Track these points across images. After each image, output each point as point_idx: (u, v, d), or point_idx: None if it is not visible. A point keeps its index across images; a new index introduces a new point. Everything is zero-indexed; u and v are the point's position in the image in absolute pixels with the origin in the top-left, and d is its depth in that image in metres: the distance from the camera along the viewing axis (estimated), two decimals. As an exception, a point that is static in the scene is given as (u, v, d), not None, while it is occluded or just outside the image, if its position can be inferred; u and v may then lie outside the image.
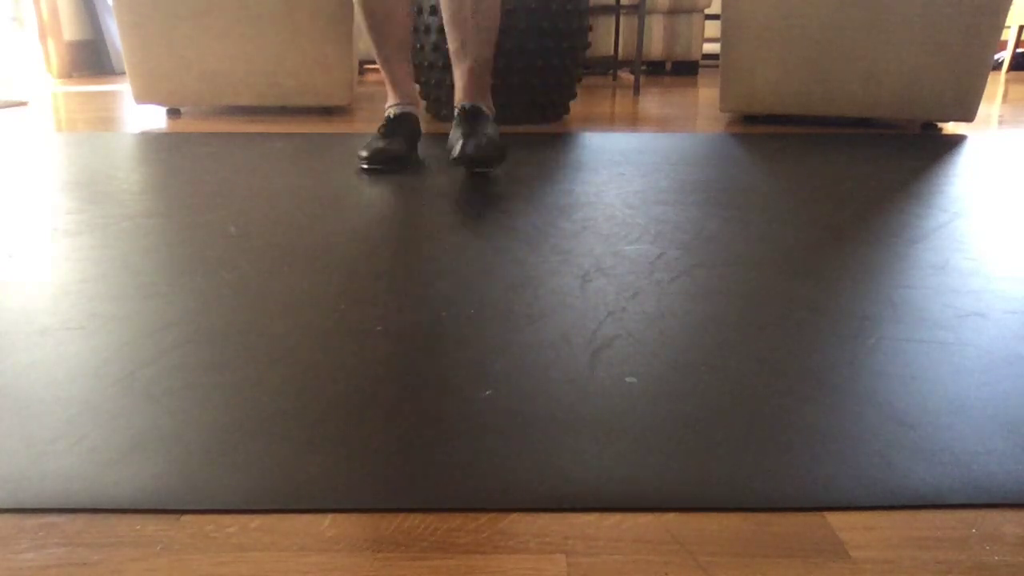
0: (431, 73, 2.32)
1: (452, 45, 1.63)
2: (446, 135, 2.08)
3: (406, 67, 1.74)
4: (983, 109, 2.76)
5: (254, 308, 0.84)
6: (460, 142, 1.50)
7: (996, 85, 3.74)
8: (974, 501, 0.51)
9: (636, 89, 3.34)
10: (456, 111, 1.64)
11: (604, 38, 4.04)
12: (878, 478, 0.53)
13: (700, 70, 4.71)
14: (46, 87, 3.59)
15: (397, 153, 1.60)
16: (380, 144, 1.60)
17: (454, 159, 1.50)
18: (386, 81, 1.74)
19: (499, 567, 0.45)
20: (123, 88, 3.52)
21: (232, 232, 1.14)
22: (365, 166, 1.60)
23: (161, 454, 0.56)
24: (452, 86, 2.29)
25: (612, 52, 3.93)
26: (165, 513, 0.50)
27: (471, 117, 1.59)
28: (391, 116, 1.69)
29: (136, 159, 1.73)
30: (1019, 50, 4.63)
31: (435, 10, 2.22)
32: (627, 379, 0.67)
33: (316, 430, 0.59)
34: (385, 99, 2.35)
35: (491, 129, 1.58)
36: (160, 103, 2.52)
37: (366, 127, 2.26)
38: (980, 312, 0.83)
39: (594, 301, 0.86)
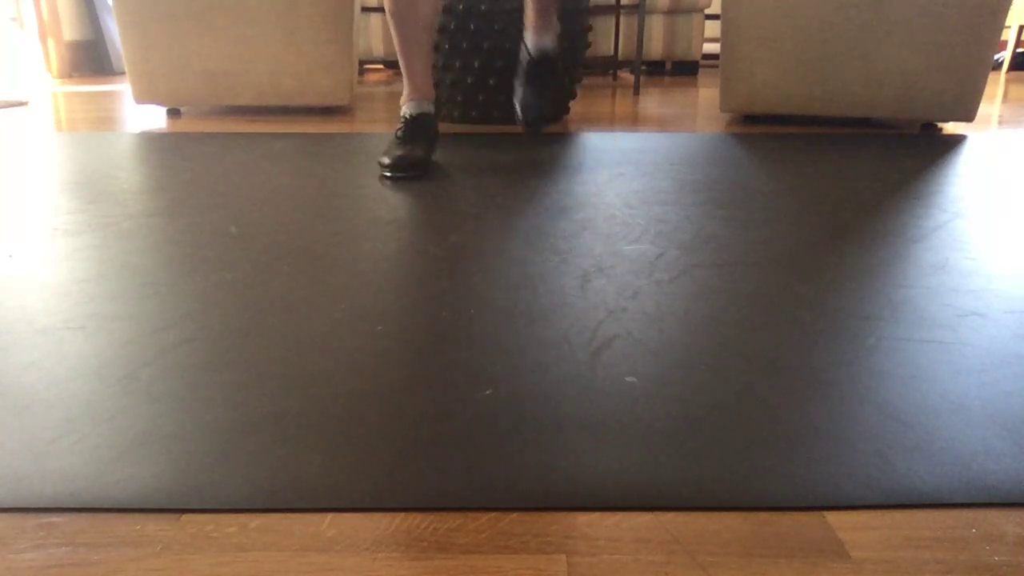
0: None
1: None
2: (447, 135, 2.08)
3: (425, 60, 1.67)
4: (983, 109, 2.76)
5: (254, 308, 0.84)
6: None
7: (996, 85, 3.74)
8: (974, 501, 0.51)
9: (636, 89, 3.34)
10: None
11: (604, 38, 4.04)
12: (878, 478, 0.53)
13: (700, 70, 4.71)
14: (46, 87, 3.59)
15: (419, 159, 1.57)
16: (401, 151, 1.57)
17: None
18: (403, 72, 1.68)
19: (499, 567, 0.45)
20: (123, 88, 3.52)
21: (232, 232, 1.14)
22: (388, 174, 1.56)
23: (161, 454, 0.56)
24: (451, 86, 2.29)
25: (612, 52, 3.93)
26: (165, 513, 0.50)
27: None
28: (408, 117, 1.65)
29: (136, 159, 1.73)
30: (1019, 50, 4.63)
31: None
32: (627, 379, 0.67)
33: (316, 430, 0.59)
34: (387, 98, 2.34)
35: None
36: (160, 103, 2.52)
37: (366, 127, 2.26)
38: (979, 312, 0.83)
39: (594, 301, 0.86)
